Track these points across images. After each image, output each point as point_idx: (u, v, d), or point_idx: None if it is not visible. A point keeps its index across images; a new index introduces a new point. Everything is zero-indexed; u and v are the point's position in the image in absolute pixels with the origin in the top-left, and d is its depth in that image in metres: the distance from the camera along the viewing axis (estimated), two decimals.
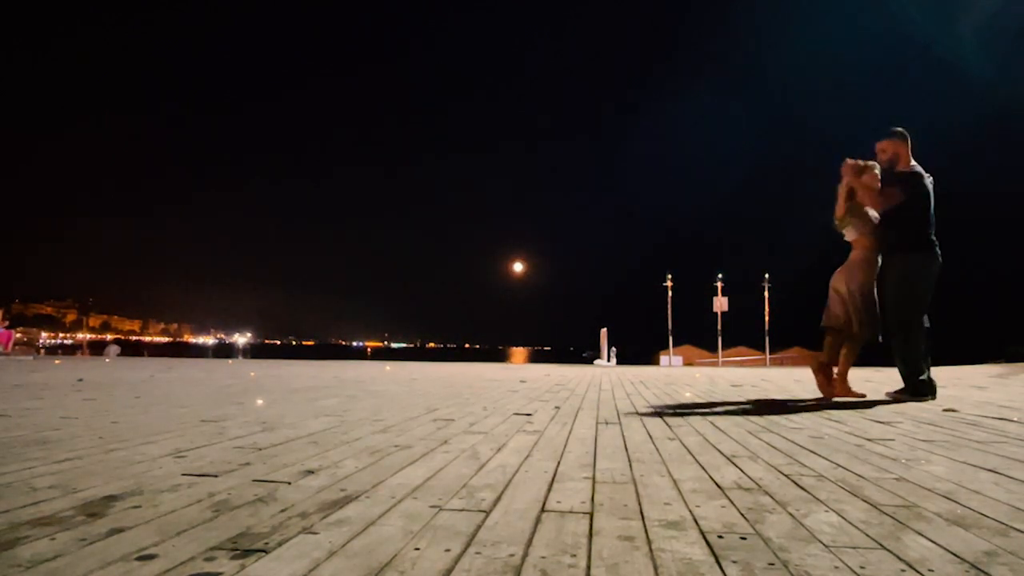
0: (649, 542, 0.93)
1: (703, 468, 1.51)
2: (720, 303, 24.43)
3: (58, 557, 0.84)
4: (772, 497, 1.22)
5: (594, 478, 1.38)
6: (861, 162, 3.67)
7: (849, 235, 3.68)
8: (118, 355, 13.48)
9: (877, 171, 3.65)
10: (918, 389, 3.46)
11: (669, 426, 2.31)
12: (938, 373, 7.54)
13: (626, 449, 1.78)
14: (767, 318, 27.72)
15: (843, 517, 1.08)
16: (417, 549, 0.88)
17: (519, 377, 6.08)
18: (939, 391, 3.48)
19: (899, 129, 3.67)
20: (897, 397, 3.45)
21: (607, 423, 2.39)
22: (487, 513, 1.08)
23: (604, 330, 16.01)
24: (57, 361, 9.25)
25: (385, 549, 0.88)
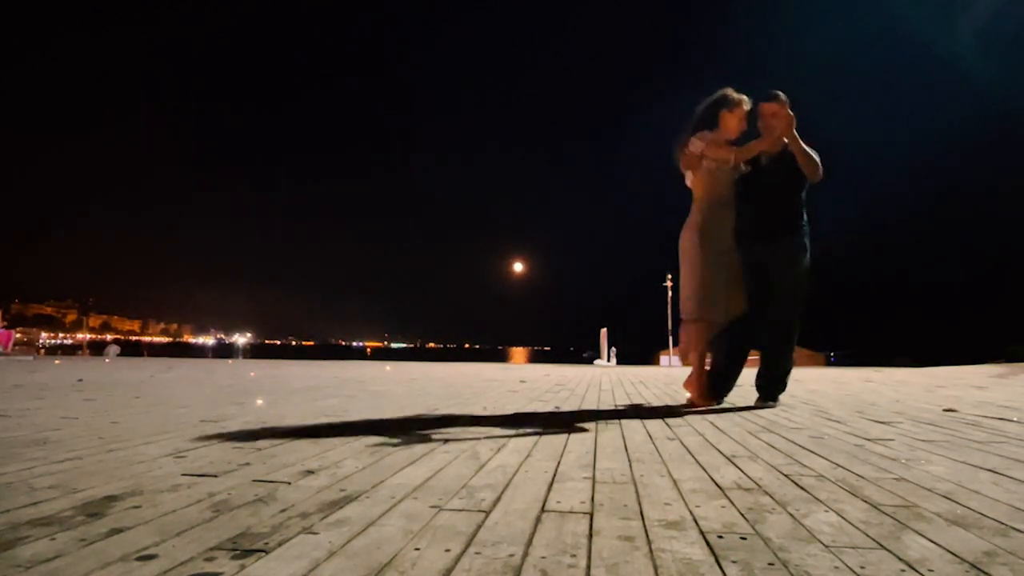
0: (649, 542, 0.93)
1: (703, 468, 1.51)
2: None
3: (58, 557, 0.84)
4: (772, 497, 1.22)
5: (594, 478, 1.38)
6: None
7: (699, 183, 3.06)
8: (118, 355, 13.48)
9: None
10: (780, 391, 3.16)
11: (669, 426, 2.31)
12: (938, 373, 7.55)
13: (626, 449, 1.78)
14: None
15: (843, 517, 1.08)
16: (417, 549, 0.88)
17: (519, 377, 6.08)
18: (939, 391, 3.41)
19: (783, 95, 3.06)
20: (764, 404, 3.08)
21: (607, 423, 2.39)
22: (487, 513, 1.08)
23: (604, 330, 16.00)
24: (57, 361, 9.25)
25: (385, 549, 0.88)
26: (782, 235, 3.03)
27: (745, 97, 3.14)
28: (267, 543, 0.90)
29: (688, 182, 3.19)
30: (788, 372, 3.18)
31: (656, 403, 3.33)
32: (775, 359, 3.14)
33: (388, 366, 8.83)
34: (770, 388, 3.15)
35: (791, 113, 3.00)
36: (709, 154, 3.06)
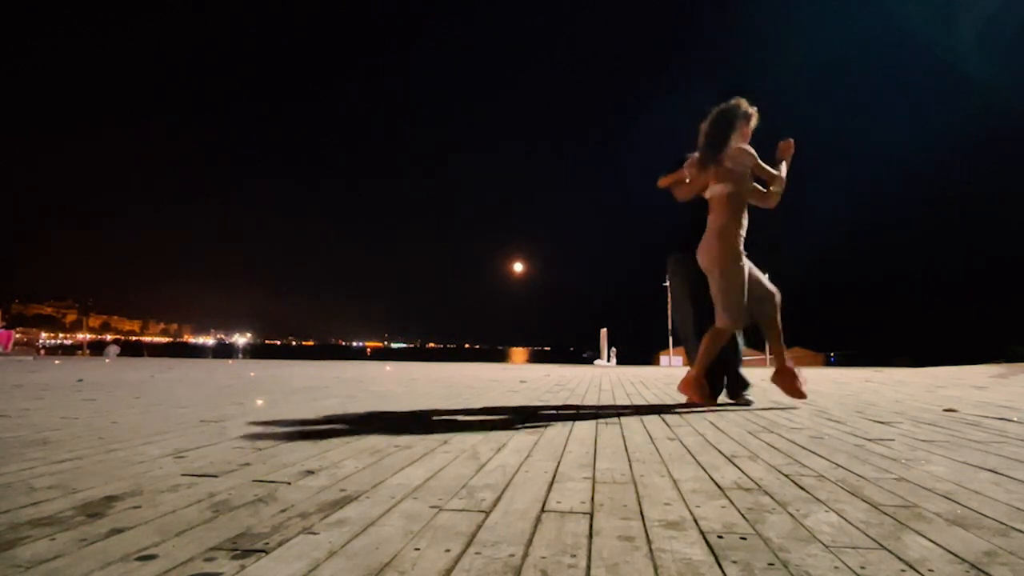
0: (649, 542, 0.93)
1: (703, 468, 1.51)
2: None
3: (58, 557, 0.84)
4: (772, 497, 1.22)
5: (594, 478, 1.38)
6: None
7: (730, 195, 3.05)
8: (118, 355, 13.48)
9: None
10: (748, 386, 3.33)
11: (669, 426, 2.31)
12: (938, 373, 7.54)
13: (626, 449, 1.78)
14: None
15: (843, 517, 1.08)
16: (417, 549, 0.88)
17: (519, 377, 6.08)
18: (939, 391, 3.43)
19: None
20: (744, 403, 3.22)
21: (607, 423, 2.39)
22: (487, 513, 1.08)
23: (604, 330, 15.98)
24: (57, 361, 9.25)
25: (385, 549, 0.88)
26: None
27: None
28: (267, 543, 0.90)
29: (719, 191, 3.09)
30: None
31: (656, 403, 3.33)
32: (735, 359, 3.35)
33: (388, 366, 8.84)
34: (738, 386, 3.31)
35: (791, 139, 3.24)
36: (757, 170, 3.09)
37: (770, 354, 3.28)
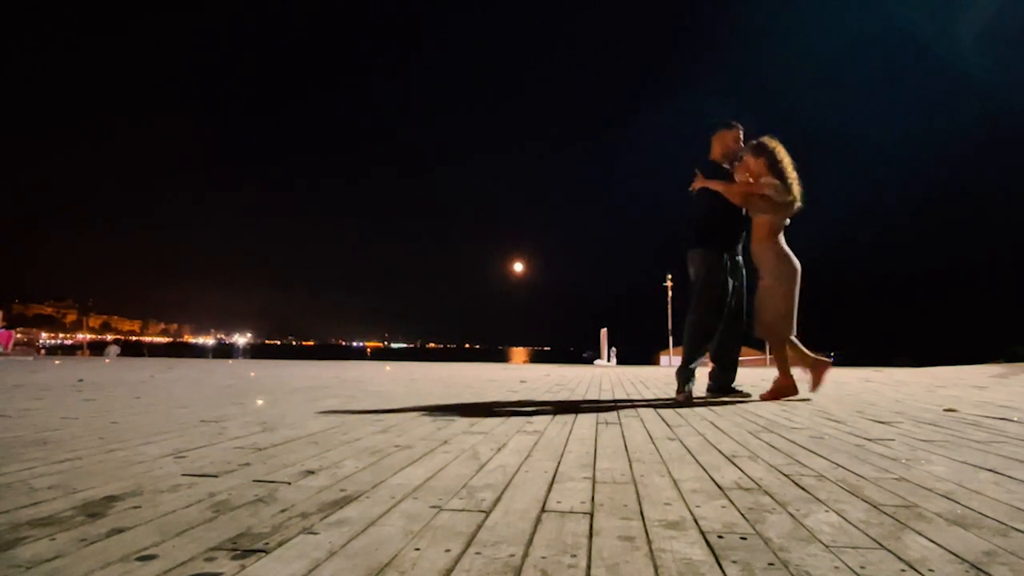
0: (649, 542, 0.93)
1: (703, 468, 1.51)
2: None
3: (58, 557, 0.84)
4: (772, 497, 1.22)
5: (594, 478, 1.38)
6: None
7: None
8: (118, 355, 13.49)
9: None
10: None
11: (669, 426, 2.31)
12: (938, 373, 7.54)
13: (626, 449, 1.78)
14: None
15: (843, 517, 1.08)
16: (417, 549, 0.88)
17: (519, 377, 6.08)
18: (939, 391, 3.46)
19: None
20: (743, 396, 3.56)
21: (607, 423, 2.39)
22: (487, 513, 1.08)
23: (604, 330, 15.98)
24: (57, 361, 9.25)
25: (385, 549, 0.88)
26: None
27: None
28: (267, 543, 0.90)
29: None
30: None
31: (656, 403, 3.33)
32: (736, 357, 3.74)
33: (388, 366, 8.84)
34: (728, 379, 3.65)
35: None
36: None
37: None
